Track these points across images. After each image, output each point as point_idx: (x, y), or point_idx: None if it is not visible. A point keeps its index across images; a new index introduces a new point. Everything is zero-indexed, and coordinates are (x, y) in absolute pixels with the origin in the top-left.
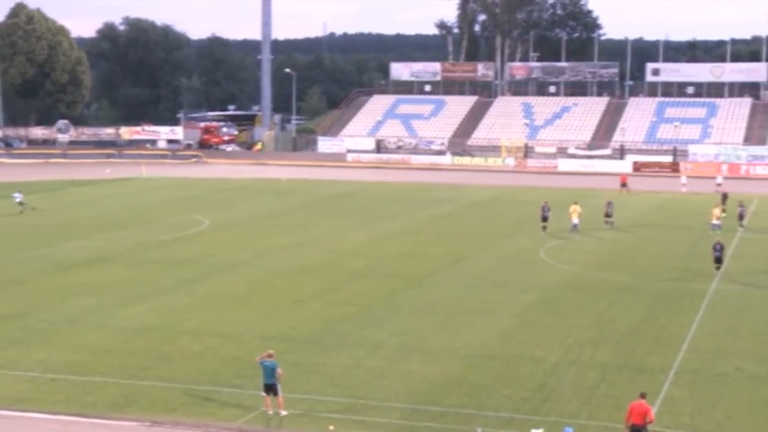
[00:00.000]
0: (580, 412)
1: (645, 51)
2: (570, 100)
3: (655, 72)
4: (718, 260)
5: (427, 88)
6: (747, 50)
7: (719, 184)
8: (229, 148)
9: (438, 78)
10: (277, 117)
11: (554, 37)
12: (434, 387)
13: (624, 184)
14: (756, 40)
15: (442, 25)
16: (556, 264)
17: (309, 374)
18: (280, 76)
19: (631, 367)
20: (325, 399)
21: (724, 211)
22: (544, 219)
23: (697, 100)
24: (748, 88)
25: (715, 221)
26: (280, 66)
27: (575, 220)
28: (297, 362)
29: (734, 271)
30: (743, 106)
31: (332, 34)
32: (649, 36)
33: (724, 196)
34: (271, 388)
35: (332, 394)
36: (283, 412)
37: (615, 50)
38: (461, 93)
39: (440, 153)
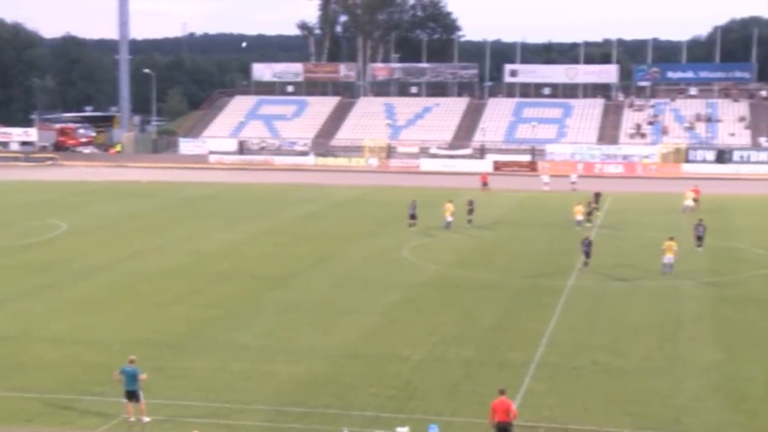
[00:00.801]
0: (445, 408)
1: (503, 52)
2: (431, 101)
3: (513, 73)
4: (587, 255)
5: (290, 88)
6: (599, 52)
7: (574, 183)
8: (87, 150)
9: (300, 79)
10: (137, 118)
11: (415, 39)
12: (300, 388)
13: (485, 184)
14: (607, 42)
15: (303, 26)
16: (420, 263)
17: (173, 379)
18: (139, 76)
19: (493, 363)
20: (190, 404)
21: (597, 209)
22: (412, 217)
23: (553, 100)
24: (601, 89)
25: (578, 218)
26: (139, 66)
27: (449, 218)
28: (160, 367)
29: (591, 267)
30: (596, 106)
31: (192, 34)
32: (507, 38)
33: (597, 195)
34: (133, 395)
35: (197, 399)
36: (146, 419)
37: (474, 52)
38: (324, 94)
39: (303, 154)
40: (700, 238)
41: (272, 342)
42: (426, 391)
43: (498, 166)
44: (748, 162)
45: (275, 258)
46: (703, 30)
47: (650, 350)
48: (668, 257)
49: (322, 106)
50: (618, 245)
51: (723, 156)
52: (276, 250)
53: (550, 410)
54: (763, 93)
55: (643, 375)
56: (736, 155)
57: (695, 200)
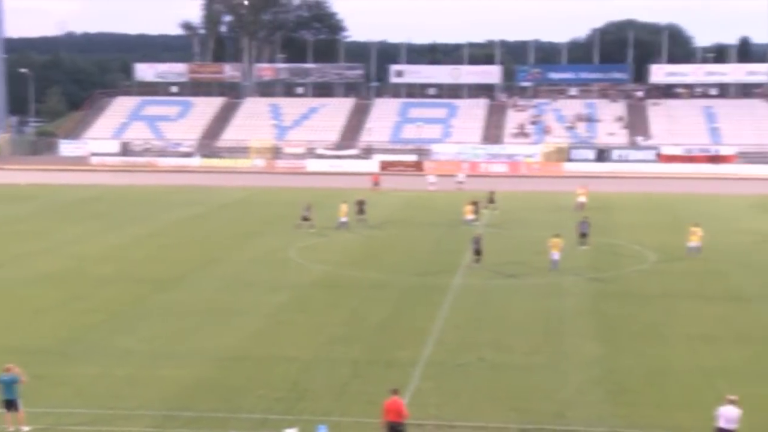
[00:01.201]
0: (334, 409)
1: (389, 53)
2: (317, 101)
3: (399, 74)
4: (477, 252)
5: (174, 89)
6: (483, 53)
7: (460, 182)
8: None
9: (185, 79)
10: (13, 119)
11: (300, 39)
12: (187, 392)
13: (376, 184)
14: (490, 43)
15: (187, 26)
16: (307, 263)
17: (54, 386)
18: (15, 76)
19: (381, 362)
20: (72, 411)
21: (495, 208)
22: (305, 219)
23: (438, 101)
24: (485, 90)
25: (468, 217)
26: (15, 65)
27: (343, 218)
28: (41, 374)
29: (479, 265)
30: (480, 106)
31: (71, 33)
32: (393, 38)
33: (492, 194)
34: (11, 404)
35: (79, 406)
36: (26, 428)
37: (360, 52)
38: (209, 94)
39: (188, 155)
40: (584, 235)
41: (158, 346)
42: (314, 392)
43: (384, 166)
44: (627, 161)
45: (160, 261)
46: (582, 32)
47: (534, 346)
48: (555, 254)
49: (207, 106)
50: (504, 243)
51: (602, 155)
52: (161, 253)
53: (437, 408)
54: (639, 93)
55: (527, 370)
56: (614, 154)
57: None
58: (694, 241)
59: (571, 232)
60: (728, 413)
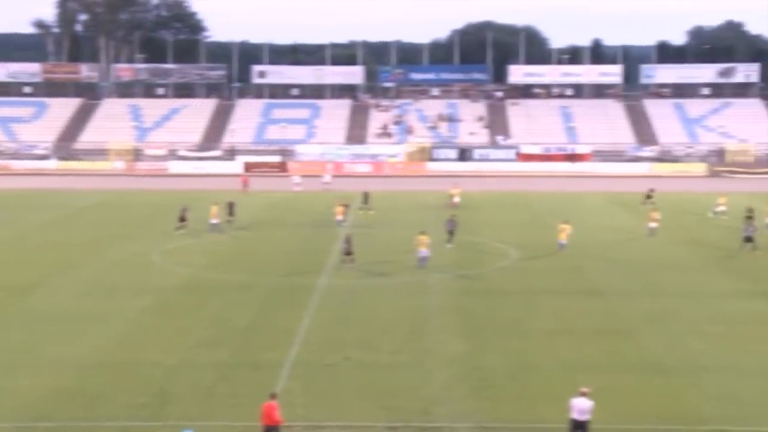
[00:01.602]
0: (200, 413)
1: (251, 53)
2: (179, 102)
3: (261, 74)
4: (348, 252)
5: (27, 89)
6: (345, 54)
7: (327, 183)
8: None
9: (39, 79)
10: None
11: (160, 39)
12: (45, 401)
13: (246, 185)
14: (352, 44)
15: (40, 24)
16: (171, 266)
17: None
18: None
19: (248, 365)
20: None
21: (369, 209)
22: (181, 219)
23: (302, 101)
24: (348, 90)
25: (339, 218)
26: None
27: (214, 220)
28: None
29: (348, 265)
30: (343, 107)
31: None
32: (254, 39)
33: (365, 195)
34: None
35: None
36: None
37: (222, 52)
38: (65, 95)
39: (44, 157)
40: (451, 233)
41: (14, 355)
42: (180, 397)
43: (248, 167)
44: (488, 160)
45: (17, 267)
46: (442, 33)
47: (401, 344)
48: (423, 251)
49: (63, 107)
50: (375, 243)
51: (464, 154)
52: (18, 259)
53: (305, 408)
54: (499, 94)
55: (394, 368)
56: (476, 153)
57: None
58: (563, 238)
59: (440, 231)
60: (580, 405)
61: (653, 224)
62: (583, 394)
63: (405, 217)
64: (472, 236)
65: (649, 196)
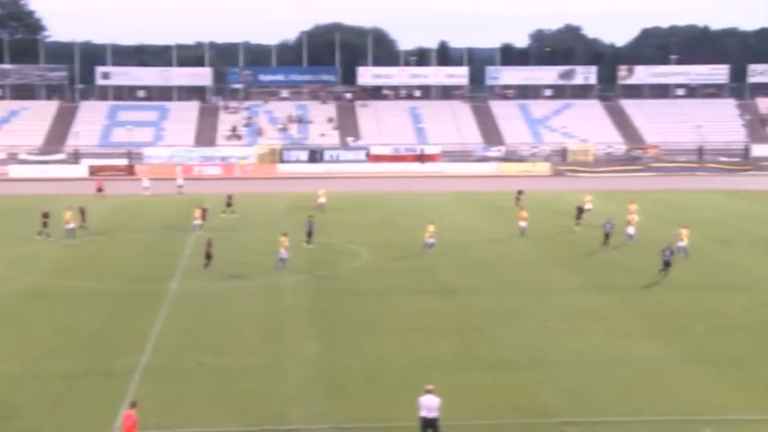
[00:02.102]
0: (47, 425)
1: (94, 54)
2: (18, 104)
3: (106, 76)
4: (208, 256)
5: None
6: (193, 55)
7: (180, 186)
8: None
9: None
10: None
11: None
12: None
13: (100, 189)
14: (200, 45)
15: None
16: (13, 274)
17: None
18: None
19: (97, 372)
20: None
21: (233, 212)
22: (44, 225)
23: (149, 103)
24: (196, 92)
25: (196, 222)
26: None
27: (70, 225)
28: None
29: (195, 268)
30: (192, 109)
31: None
32: (97, 39)
33: (229, 197)
34: None
35: None
36: None
37: (63, 53)
38: None
39: None
40: (309, 234)
41: None
42: (25, 409)
43: (94, 171)
44: (338, 161)
45: None
46: (291, 34)
47: (255, 347)
48: (282, 253)
49: None
50: (232, 245)
51: (315, 155)
52: None
53: (158, 416)
54: (348, 95)
55: (249, 372)
56: (327, 155)
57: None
58: (429, 237)
59: (300, 232)
60: (428, 402)
61: (523, 223)
62: (429, 392)
63: (265, 218)
64: (325, 237)
65: (518, 198)
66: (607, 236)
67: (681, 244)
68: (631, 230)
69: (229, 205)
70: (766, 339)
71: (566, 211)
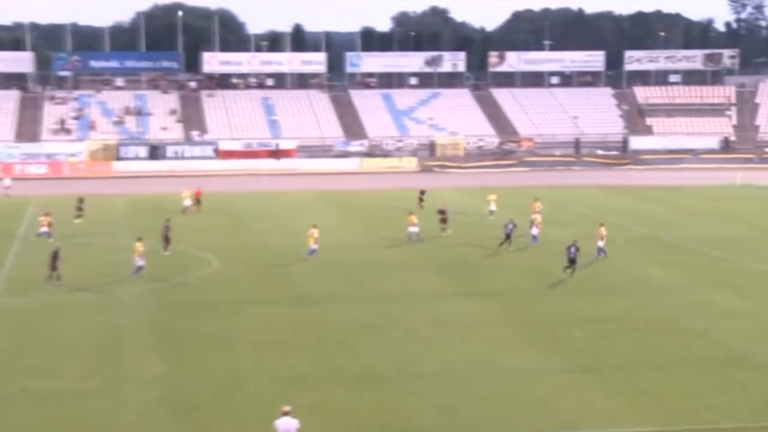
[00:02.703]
0: None
1: None
2: None
3: None
4: (54, 268)
5: None
6: (10, 38)
7: (7, 188)
8: None
9: None
10: None
11: None
12: None
13: None
14: (19, 27)
15: None
16: None
17: None
18: None
19: None
20: None
21: (81, 215)
22: None
23: None
24: (15, 80)
25: (43, 229)
26: None
27: None
28: None
29: (21, 280)
30: (11, 99)
31: None
32: None
33: (80, 201)
34: None
35: None
36: None
37: None
38: None
39: None
40: (166, 240)
41: None
42: None
43: None
44: (183, 158)
45: None
46: (125, 16)
47: (88, 368)
48: (138, 260)
49: None
50: (77, 254)
51: (156, 152)
52: None
53: None
54: (193, 84)
55: (81, 397)
56: (169, 151)
57: (197, 201)
58: (311, 243)
59: (154, 238)
60: (285, 426)
61: (413, 228)
62: (286, 413)
63: (120, 222)
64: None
65: (421, 198)
66: (508, 237)
67: (600, 244)
68: (534, 231)
69: (79, 209)
70: (647, 343)
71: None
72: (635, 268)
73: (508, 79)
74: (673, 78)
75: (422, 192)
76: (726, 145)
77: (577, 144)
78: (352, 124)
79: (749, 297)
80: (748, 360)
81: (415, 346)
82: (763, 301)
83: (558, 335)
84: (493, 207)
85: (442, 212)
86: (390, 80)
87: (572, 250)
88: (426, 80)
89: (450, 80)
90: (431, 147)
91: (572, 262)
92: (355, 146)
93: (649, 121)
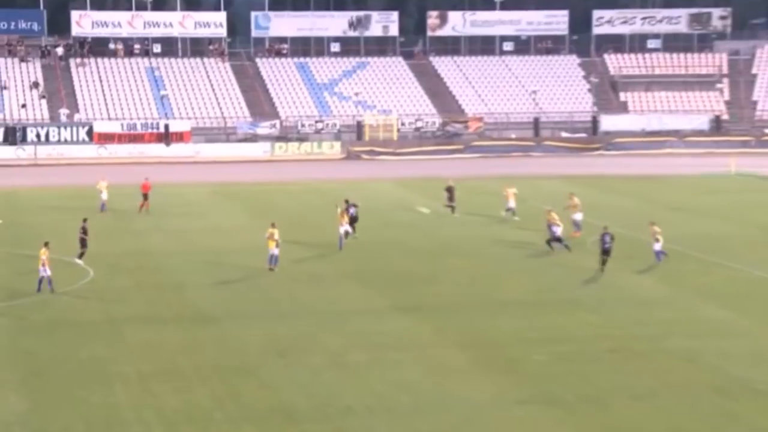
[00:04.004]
0: None
1: None
2: None
3: None
4: None
5: None
6: None
7: None
8: None
9: None
10: None
11: None
12: None
13: None
14: None
15: None
16: None
17: None
18: None
19: None
20: None
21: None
22: None
23: None
24: None
25: None
26: None
27: None
28: None
29: None
30: None
31: None
32: None
33: None
34: None
35: None
36: None
37: None
38: None
39: None
40: (83, 243)
41: None
42: None
43: None
44: (48, 142)
45: None
46: None
47: None
48: (43, 269)
49: None
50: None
51: (12, 135)
52: None
53: None
54: (59, 50)
55: None
56: (30, 133)
57: (145, 196)
58: (272, 247)
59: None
60: None
61: (344, 228)
62: None
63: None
64: (23, 248)
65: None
66: (606, 252)
67: (656, 246)
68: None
69: None
70: (622, 369)
71: (373, 208)
72: (608, 277)
73: (451, 46)
74: (652, 44)
75: (346, 202)
76: (717, 126)
77: (536, 125)
78: (259, 101)
79: (746, 311)
80: (744, 388)
81: (338, 374)
82: (762, 316)
83: (515, 359)
84: (512, 203)
85: (449, 190)
86: (306, 46)
87: (606, 238)
88: (351, 47)
89: (380, 46)
90: (358, 129)
91: (606, 253)
92: (264, 128)
93: (623, 96)
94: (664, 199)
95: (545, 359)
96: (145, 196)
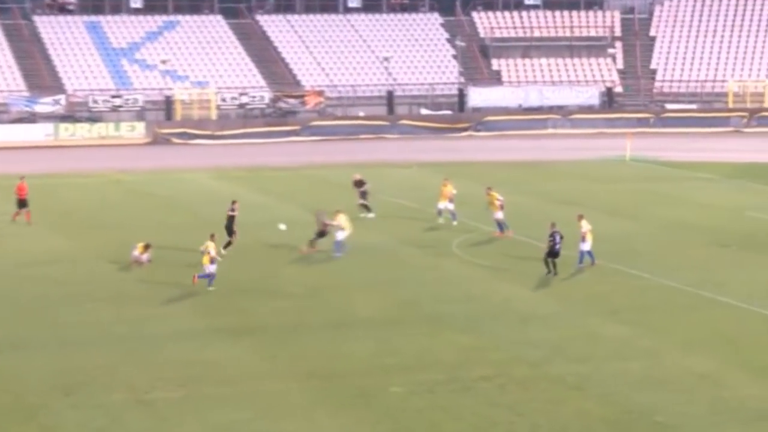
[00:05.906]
0: None
1: None
2: None
3: None
4: None
5: None
6: None
7: None
8: None
9: None
10: None
11: None
12: None
13: None
14: None
15: None
16: None
17: None
18: None
19: None
20: None
21: None
22: None
23: None
24: None
25: None
26: None
27: None
28: None
29: None
30: None
31: None
32: None
33: None
34: None
35: None
36: None
37: None
38: None
39: None
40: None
41: None
42: None
43: None
44: None
45: None
46: None
47: None
48: None
49: None
50: None
51: None
52: None
53: None
54: None
55: None
56: None
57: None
58: (207, 264)
59: None
60: None
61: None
62: None
63: None
64: None
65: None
66: (554, 254)
67: (583, 246)
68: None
69: None
70: (501, 401)
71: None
72: (479, 287)
73: (284, 1)
74: (530, 0)
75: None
76: (609, 100)
77: (390, 100)
78: (38, 70)
79: (646, 327)
80: (642, 420)
81: (144, 414)
82: (664, 334)
83: (367, 392)
84: (449, 205)
85: (359, 183)
86: (99, 1)
87: (556, 238)
88: (156, 2)
89: (193, 2)
90: (167, 106)
91: (555, 255)
92: (46, 105)
93: (496, 64)
94: (545, 190)
95: (404, 391)
96: (22, 203)
